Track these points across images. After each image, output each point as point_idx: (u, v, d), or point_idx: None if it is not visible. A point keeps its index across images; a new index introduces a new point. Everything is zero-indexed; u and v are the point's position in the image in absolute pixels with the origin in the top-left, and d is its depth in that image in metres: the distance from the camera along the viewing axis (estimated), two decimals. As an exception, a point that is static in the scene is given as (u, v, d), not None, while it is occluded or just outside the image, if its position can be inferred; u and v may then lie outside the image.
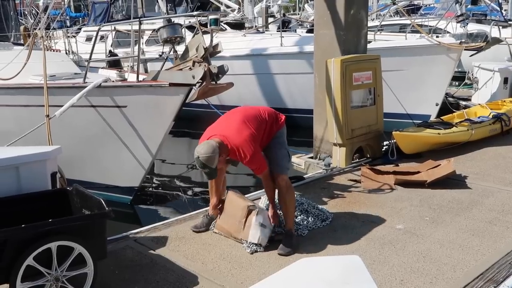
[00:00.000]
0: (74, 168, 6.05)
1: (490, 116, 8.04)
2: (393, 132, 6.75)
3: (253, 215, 4.17)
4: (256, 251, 4.10)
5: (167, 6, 13.45)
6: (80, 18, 25.04)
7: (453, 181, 5.68)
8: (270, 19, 17.44)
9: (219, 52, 5.69)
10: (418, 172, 5.87)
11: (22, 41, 13.37)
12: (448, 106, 10.54)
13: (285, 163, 4.28)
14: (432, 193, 5.40)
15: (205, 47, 5.40)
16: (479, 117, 8.14)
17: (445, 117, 8.19)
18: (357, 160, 6.67)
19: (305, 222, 4.58)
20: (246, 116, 4.07)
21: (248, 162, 3.95)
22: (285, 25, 14.66)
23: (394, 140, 6.72)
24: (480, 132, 7.39)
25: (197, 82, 5.37)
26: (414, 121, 8.55)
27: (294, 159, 7.11)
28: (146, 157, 6.38)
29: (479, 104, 9.53)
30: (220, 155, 3.84)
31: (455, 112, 9.19)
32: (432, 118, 9.10)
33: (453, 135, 7.08)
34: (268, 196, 4.34)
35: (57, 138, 5.60)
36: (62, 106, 5.87)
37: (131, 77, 6.58)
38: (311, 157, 7.10)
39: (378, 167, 6.03)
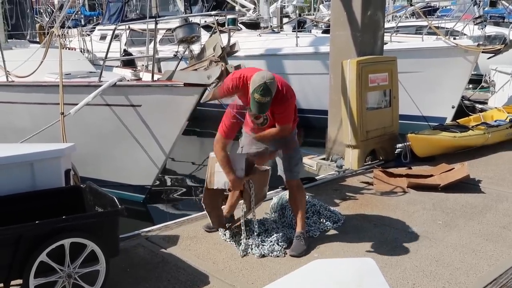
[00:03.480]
0: (88, 165, 6.08)
1: (507, 120, 7.92)
2: (408, 135, 6.68)
3: (216, 161, 4.04)
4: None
5: (185, 5, 13.47)
6: (95, 17, 25.22)
7: (467, 185, 5.61)
8: (285, 19, 17.42)
9: (236, 51, 5.69)
10: (431, 175, 5.79)
11: (37, 39, 13.53)
12: (464, 109, 10.42)
13: (298, 168, 4.24)
14: (446, 197, 5.33)
15: (222, 46, 5.38)
16: (495, 121, 8.02)
17: (461, 120, 8.10)
18: (370, 162, 6.61)
19: (317, 224, 4.54)
20: None
21: (288, 105, 3.83)
22: (300, 26, 14.62)
23: (408, 143, 6.65)
24: (496, 136, 7.29)
25: (212, 82, 5.36)
26: (430, 123, 8.47)
27: (305, 160, 7.06)
28: (159, 156, 6.39)
29: (496, 108, 9.40)
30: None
31: (471, 115, 9.08)
32: (448, 121, 9.00)
33: (469, 138, 6.99)
34: (270, 132, 4.00)
35: (72, 135, 5.63)
36: (77, 104, 5.90)
37: (146, 77, 6.60)
38: (323, 159, 7.05)
39: (391, 170, 5.96)
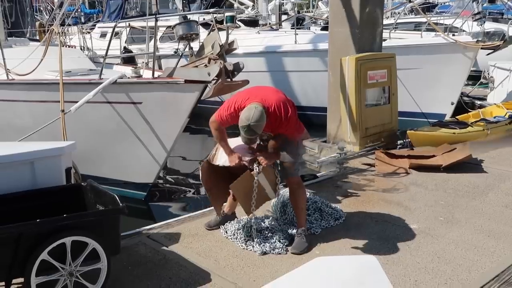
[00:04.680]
0: (89, 163, 6.09)
1: (506, 116, 7.94)
2: (408, 131, 6.71)
3: None
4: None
5: (183, 3, 13.48)
6: (94, 15, 25.20)
7: (469, 165, 5.59)
8: (284, 17, 17.41)
9: (235, 49, 5.69)
10: (433, 156, 5.75)
11: (37, 37, 13.52)
12: (463, 106, 10.42)
13: (297, 165, 4.23)
14: (448, 177, 5.32)
15: (220, 44, 5.39)
16: (495, 117, 8.05)
17: (460, 117, 8.13)
18: (371, 144, 6.54)
19: (318, 221, 4.56)
20: (276, 89, 4.07)
21: (288, 122, 3.86)
22: (299, 23, 14.61)
23: (409, 139, 6.66)
24: (496, 132, 7.31)
25: (213, 79, 5.37)
26: (429, 120, 8.49)
27: (307, 143, 6.97)
28: (161, 153, 6.40)
29: (495, 104, 9.42)
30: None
31: (470, 111, 9.10)
32: (447, 118, 9.02)
33: (468, 134, 7.01)
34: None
35: (72, 133, 5.64)
36: (77, 102, 5.90)
37: (146, 74, 6.60)
38: (325, 141, 6.99)
39: (393, 151, 5.91)
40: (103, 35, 14.08)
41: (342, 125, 6.53)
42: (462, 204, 4.60)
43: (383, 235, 4.36)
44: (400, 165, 5.58)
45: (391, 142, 6.81)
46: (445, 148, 5.88)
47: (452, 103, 9.74)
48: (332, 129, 6.91)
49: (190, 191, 8.15)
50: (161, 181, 8.03)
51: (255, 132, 3.72)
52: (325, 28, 14.10)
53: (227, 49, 5.62)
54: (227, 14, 5.51)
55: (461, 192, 4.91)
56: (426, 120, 8.72)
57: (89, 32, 13.91)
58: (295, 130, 4.01)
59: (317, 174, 6.24)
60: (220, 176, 4.30)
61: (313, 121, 8.83)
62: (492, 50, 9.38)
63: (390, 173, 5.45)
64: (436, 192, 4.91)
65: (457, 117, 8.16)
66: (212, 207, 5.09)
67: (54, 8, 14.19)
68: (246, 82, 5.69)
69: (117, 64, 9.15)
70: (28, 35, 12.95)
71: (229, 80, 5.40)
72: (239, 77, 5.59)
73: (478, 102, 11.21)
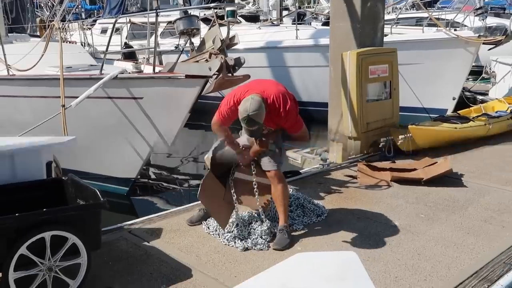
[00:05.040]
0: (89, 158, 6.10)
1: (508, 111, 7.93)
2: (409, 126, 6.68)
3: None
4: None
5: (184, -2, 13.46)
6: (95, 11, 25.16)
7: (449, 179, 5.59)
8: (285, 12, 17.39)
9: (236, 44, 5.68)
10: (415, 169, 5.77)
11: (38, 33, 13.53)
12: (465, 101, 10.42)
13: (278, 158, 4.19)
14: (428, 190, 5.32)
15: (221, 39, 5.38)
16: (496, 112, 8.03)
17: (462, 112, 8.11)
18: (354, 156, 6.57)
19: (300, 217, 4.53)
20: (276, 82, 4.05)
21: (287, 114, 3.86)
22: (300, 18, 14.60)
23: (391, 137, 6.59)
24: (497, 127, 7.30)
25: (214, 74, 5.36)
26: (431, 115, 8.48)
27: (290, 153, 7.06)
28: (163, 148, 6.40)
29: (497, 99, 9.41)
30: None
31: (472, 106, 9.09)
32: (449, 112, 9.01)
33: (470, 129, 7.00)
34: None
35: (73, 128, 5.64)
36: (78, 97, 5.90)
37: (147, 69, 6.59)
38: (308, 152, 7.04)
39: (375, 164, 5.92)
40: (103, 31, 14.08)
41: (344, 120, 6.51)
42: (442, 218, 4.61)
43: (364, 231, 4.33)
44: (382, 178, 5.61)
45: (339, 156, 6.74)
46: (427, 162, 5.92)
47: (454, 98, 9.73)
48: (333, 124, 6.90)
49: (172, 187, 8.11)
50: (143, 177, 7.95)
51: (255, 122, 3.70)
52: (326, 23, 14.07)
53: (228, 44, 5.61)
54: (228, 9, 5.49)
55: (441, 205, 4.92)
56: (427, 115, 8.72)
57: (89, 28, 13.92)
58: (294, 123, 3.99)
59: (301, 171, 6.20)
60: (219, 190, 4.29)
61: (314, 117, 8.83)
62: (494, 45, 9.36)
63: (372, 185, 5.48)
64: (416, 205, 4.93)
65: (458, 112, 8.14)
66: (195, 202, 5.01)
67: (55, 4, 14.16)
68: (247, 76, 5.67)
69: (117, 59, 9.16)
70: (28, 31, 12.97)
71: (230, 75, 5.38)
72: (240, 72, 5.58)
73: (479, 97, 11.20)
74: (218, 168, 4.23)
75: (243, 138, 4.25)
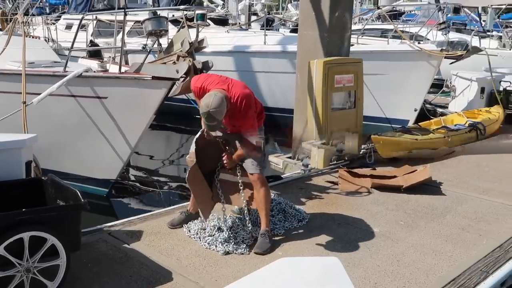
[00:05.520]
0: (51, 158, 5.95)
1: (467, 125, 8.17)
2: (372, 136, 6.82)
3: None
4: None
5: (152, -2, 13.35)
6: (60, 6, 24.63)
7: (429, 187, 5.76)
8: (253, 17, 17.45)
9: (205, 47, 5.66)
10: (395, 176, 5.93)
11: None
12: (425, 113, 10.66)
13: (261, 162, 4.23)
14: (408, 198, 5.47)
15: (190, 42, 5.36)
16: (455, 125, 8.27)
17: (422, 124, 8.31)
18: (335, 162, 6.71)
19: (281, 222, 4.59)
20: (246, 86, 4.09)
21: (246, 118, 3.93)
22: (268, 24, 14.67)
23: (372, 144, 6.78)
24: (456, 139, 7.52)
25: (181, 77, 5.33)
26: (393, 125, 8.65)
27: (272, 158, 7.13)
28: (124, 150, 6.31)
29: (456, 112, 9.68)
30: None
31: (432, 118, 9.32)
32: (410, 124, 9.21)
33: (430, 141, 7.18)
34: (242, 151, 4.13)
35: (34, 126, 5.50)
36: (40, 94, 5.76)
37: (113, 68, 6.49)
38: (289, 157, 7.12)
39: (356, 170, 6.07)
40: (68, 27, 13.79)
41: (308, 127, 6.58)
42: (421, 225, 4.74)
43: (345, 237, 4.42)
44: (363, 184, 5.74)
45: (355, 146, 6.91)
46: (406, 170, 6.08)
47: (415, 110, 9.95)
48: (298, 131, 6.96)
49: (153, 189, 8.08)
50: (124, 178, 7.93)
51: (215, 119, 3.74)
52: (294, 30, 14.18)
53: (196, 47, 5.59)
54: (198, 12, 5.48)
55: (420, 213, 5.05)
56: (389, 125, 8.89)
57: (54, 23, 13.61)
58: (250, 126, 4.02)
59: (282, 176, 6.29)
60: (204, 182, 4.30)
61: (279, 122, 8.89)
62: (455, 60, 9.63)
63: (352, 191, 5.59)
64: (396, 212, 5.05)
65: (419, 123, 8.34)
66: (176, 205, 5.12)
67: (18, -4, 13.81)
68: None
69: (82, 57, 8.98)
70: (-11, 23, 12.57)
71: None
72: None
73: (439, 110, 11.48)
74: (203, 165, 4.22)
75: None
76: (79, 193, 3.45)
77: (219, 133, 4.24)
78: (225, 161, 4.19)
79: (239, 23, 14.46)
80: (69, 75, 5.86)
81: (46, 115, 6.13)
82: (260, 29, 13.01)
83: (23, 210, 3.20)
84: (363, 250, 4.18)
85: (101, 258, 3.91)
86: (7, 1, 18.36)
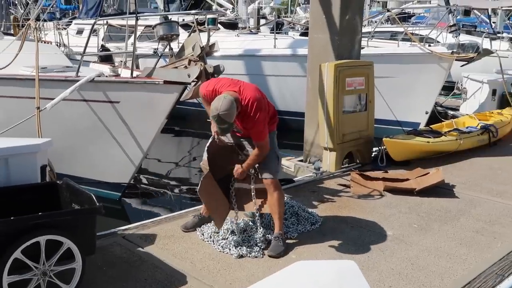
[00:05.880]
0: (63, 162, 5.99)
1: (478, 127, 8.12)
2: (384, 139, 6.80)
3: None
4: None
5: (164, 2, 13.41)
6: (70, 11, 24.84)
7: (442, 190, 5.74)
8: (262, 21, 17.48)
9: (215, 51, 5.68)
10: (407, 179, 5.90)
11: (12, 31, 13.28)
12: (436, 115, 10.62)
13: (275, 166, 4.25)
14: (421, 200, 5.45)
15: (201, 46, 5.38)
16: (467, 127, 8.21)
17: (434, 126, 8.26)
18: (347, 165, 6.70)
19: (294, 225, 4.59)
20: (258, 88, 4.07)
21: (256, 121, 3.90)
22: (278, 27, 14.69)
23: (384, 147, 6.76)
24: (468, 142, 7.47)
25: (192, 81, 5.35)
26: (404, 128, 8.61)
27: (283, 161, 7.12)
28: (137, 154, 6.34)
29: (468, 115, 9.63)
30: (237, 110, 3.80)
31: (443, 121, 9.28)
32: (422, 126, 9.17)
33: (442, 144, 7.15)
34: (252, 159, 4.09)
35: (47, 131, 5.54)
36: (53, 99, 5.80)
37: (125, 73, 6.53)
38: (301, 160, 7.12)
39: (368, 173, 6.06)
40: (79, 31, 13.89)
41: (320, 131, 6.57)
42: (435, 228, 4.73)
43: (358, 240, 4.41)
44: (375, 187, 5.73)
45: (366, 149, 6.90)
46: (419, 172, 6.06)
47: (427, 112, 9.90)
48: (309, 134, 6.95)
49: (165, 192, 8.10)
50: (136, 182, 7.97)
51: (225, 121, 3.75)
52: (303, 33, 14.20)
53: (207, 51, 5.61)
54: (209, 16, 5.50)
55: (434, 216, 5.04)
56: (400, 128, 8.85)
57: (65, 28, 13.72)
58: (259, 132, 4.00)
59: (294, 179, 6.29)
60: (217, 190, 4.30)
61: (291, 126, 8.88)
62: (467, 62, 9.58)
63: (364, 194, 5.59)
64: (409, 215, 5.04)
65: (431, 126, 8.30)
66: (189, 209, 5.13)
67: (30, 2, 13.93)
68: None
69: (94, 62, 9.05)
70: (2, 29, 12.72)
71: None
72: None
73: (451, 112, 11.44)
74: (216, 171, 4.22)
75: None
76: (94, 197, 3.47)
77: (230, 139, 4.25)
78: (236, 174, 4.15)
79: (249, 27, 14.47)
80: (82, 80, 5.90)
81: (59, 120, 6.17)
82: (270, 32, 13.02)
83: (39, 214, 3.22)
84: (377, 253, 4.18)
85: (115, 261, 3.94)
86: (19, 7, 18.55)
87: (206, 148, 4.26)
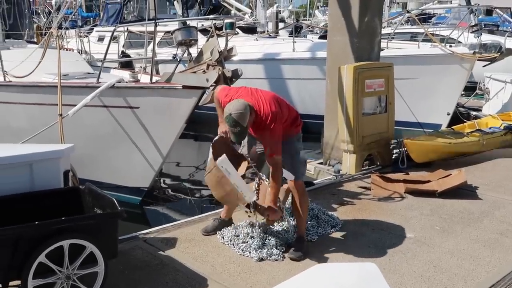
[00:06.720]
0: (84, 167, 6.06)
1: (502, 127, 7.99)
2: (405, 140, 6.73)
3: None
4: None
5: (182, 8, 13.52)
6: (92, 18, 25.19)
7: (464, 191, 5.66)
8: (281, 24, 17.49)
9: (234, 56, 5.71)
10: (429, 181, 5.84)
11: (35, 40, 13.52)
12: (458, 116, 10.49)
13: (301, 169, 4.24)
14: (443, 202, 5.38)
15: (219, 50, 5.41)
16: (490, 128, 8.08)
17: (456, 127, 8.16)
18: (367, 167, 6.65)
19: (315, 228, 4.58)
20: (277, 97, 4.02)
21: (270, 135, 3.81)
22: (296, 31, 14.69)
23: (405, 149, 6.69)
24: (491, 143, 7.35)
25: (211, 86, 5.38)
26: (425, 130, 8.52)
27: None
28: (156, 158, 6.39)
29: (490, 115, 9.48)
30: (250, 115, 3.74)
31: (465, 122, 9.15)
32: (443, 128, 9.06)
33: (464, 145, 7.05)
34: (272, 192, 3.95)
35: (69, 137, 5.63)
36: (74, 105, 5.89)
37: (144, 79, 6.60)
38: (321, 163, 7.09)
39: (388, 175, 6.01)
40: (100, 39, 14.08)
41: (339, 134, 6.54)
42: (457, 230, 4.67)
43: (379, 243, 4.38)
44: (396, 190, 5.67)
45: (387, 151, 6.85)
46: (441, 174, 5.98)
47: (448, 114, 9.79)
48: (329, 136, 6.93)
49: (185, 196, 8.15)
50: (156, 186, 8.03)
51: (238, 123, 3.68)
52: (322, 36, 14.17)
53: (226, 55, 5.64)
54: (227, 21, 5.53)
55: (456, 218, 4.97)
56: (422, 130, 8.77)
57: (86, 36, 13.91)
58: (274, 144, 3.85)
59: (314, 182, 6.27)
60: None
61: (310, 129, 8.84)
62: (489, 62, 9.45)
63: (385, 196, 5.54)
64: (431, 217, 4.99)
65: (452, 127, 8.20)
66: (209, 212, 5.16)
67: (52, 11, 14.19)
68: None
69: (114, 68, 9.16)
70: (25, 37, 12.95)
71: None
72: (237, 84, 5.60)
73: (473, 113, 11.27)
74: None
75: (244, 150, 4.31)
76: (115, 202, 3.52)
77: (245, 152, 4.24)
78: (271, 219, 4.03)
79: (268, 31, 14.50)
80: (102, 86, 5.98)
81: (81, 126, 6.26)
82: (289, 36, 13.02)
83: (63, 218, 3.28)
84: (399, 255, 4.14)
85: (137, 265, 3.98)
86: (41, 16, 18.90)
87: (210, 148, 4.06)
